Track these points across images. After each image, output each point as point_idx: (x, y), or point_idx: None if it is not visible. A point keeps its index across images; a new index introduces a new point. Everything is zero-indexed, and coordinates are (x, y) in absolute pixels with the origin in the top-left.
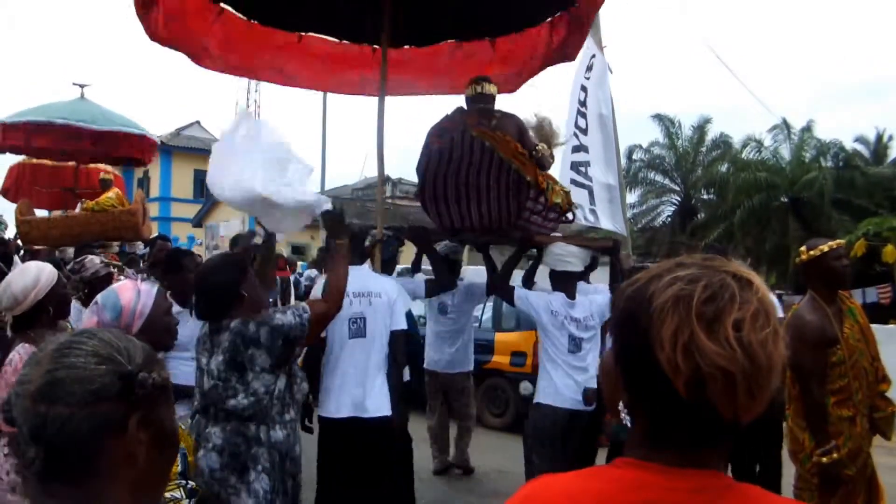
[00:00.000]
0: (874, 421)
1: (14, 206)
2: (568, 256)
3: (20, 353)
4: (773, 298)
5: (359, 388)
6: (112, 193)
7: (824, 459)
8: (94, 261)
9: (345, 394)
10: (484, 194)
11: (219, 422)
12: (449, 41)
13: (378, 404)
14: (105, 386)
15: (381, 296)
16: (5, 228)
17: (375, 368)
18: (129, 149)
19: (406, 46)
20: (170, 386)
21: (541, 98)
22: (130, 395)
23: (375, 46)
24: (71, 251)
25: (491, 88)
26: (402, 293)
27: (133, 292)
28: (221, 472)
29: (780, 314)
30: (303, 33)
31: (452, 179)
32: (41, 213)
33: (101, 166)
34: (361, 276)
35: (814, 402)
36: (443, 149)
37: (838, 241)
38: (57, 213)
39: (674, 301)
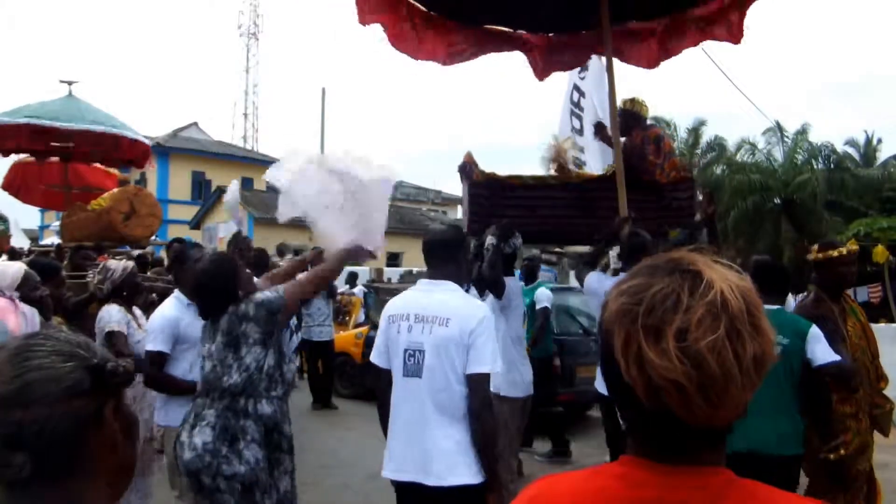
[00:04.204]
0: (873, 417)
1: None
2: None
3: None
4: (740, 291)
5: (418, 444)
6: (107, 193)
7: (831, 456)
8: (111, 263)
9: (403, 449)
10: None
11: (214, 402)
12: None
13: (448, 467)
14: (78, 381)
15: (447, 323)
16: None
17: (441, 419)
18: (108, 149)
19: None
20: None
21: (540, 97)
22: (103, 386)
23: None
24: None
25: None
26: (495, 321)
27: (17, 315)
28: (213, 444)
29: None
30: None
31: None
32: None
33: (98, 166)
34: (434, 292)
35: (822, 400)
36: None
37: (851, 246)
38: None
39: (620, 315)
